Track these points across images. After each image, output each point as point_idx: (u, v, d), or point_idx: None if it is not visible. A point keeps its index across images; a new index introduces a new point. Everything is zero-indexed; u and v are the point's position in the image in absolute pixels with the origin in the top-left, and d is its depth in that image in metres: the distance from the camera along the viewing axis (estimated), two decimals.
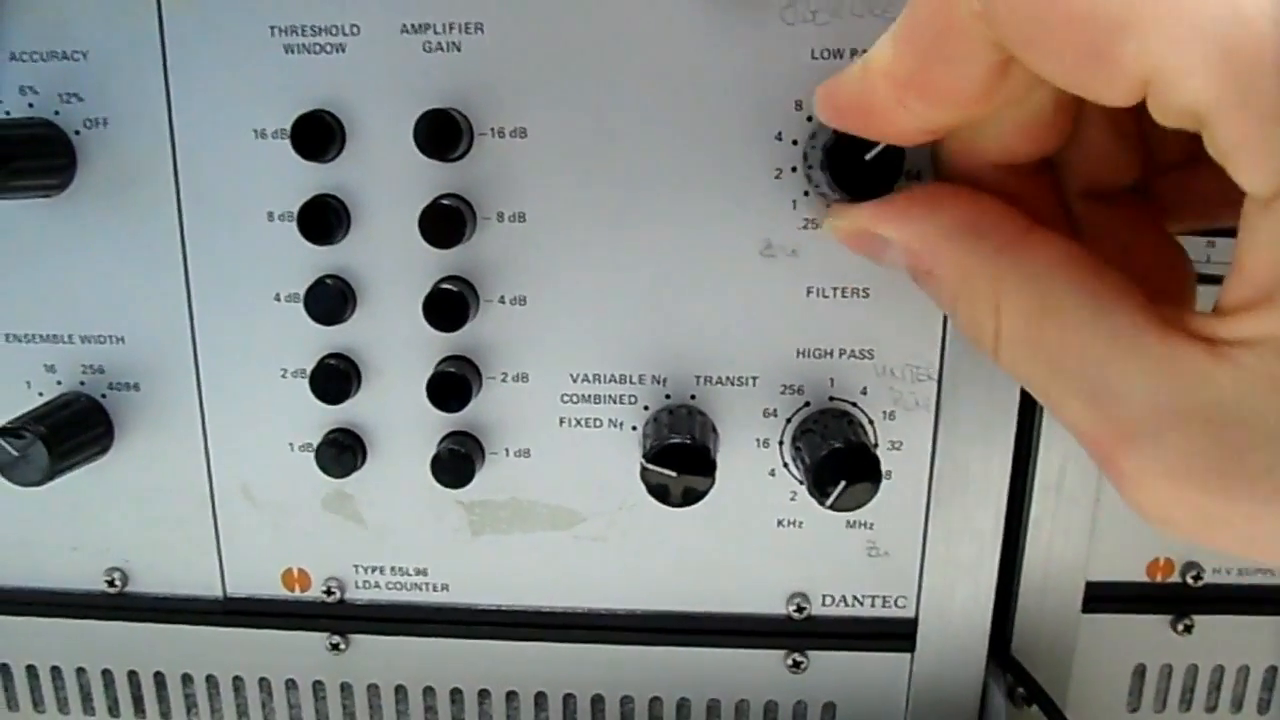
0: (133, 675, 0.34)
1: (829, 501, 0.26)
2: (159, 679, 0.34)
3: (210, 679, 0.34)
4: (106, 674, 0.34)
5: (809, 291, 0.28)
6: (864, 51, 0.26)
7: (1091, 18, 0.17)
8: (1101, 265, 0.20)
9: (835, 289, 0.28)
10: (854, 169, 0.24)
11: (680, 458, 0.27)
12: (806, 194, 0.27)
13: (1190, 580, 0.33)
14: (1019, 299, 0.21)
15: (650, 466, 0.27)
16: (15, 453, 0.29)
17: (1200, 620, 0.33)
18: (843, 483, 0.26)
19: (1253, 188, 0.16)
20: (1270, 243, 0.17)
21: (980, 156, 0.23)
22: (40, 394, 0.31)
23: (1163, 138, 0.22)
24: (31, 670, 0.35)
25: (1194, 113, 0.16)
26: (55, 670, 0.35)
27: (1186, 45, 0.16)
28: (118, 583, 0.33)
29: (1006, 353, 0.21)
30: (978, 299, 0.21)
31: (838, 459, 0.26)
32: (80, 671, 0.35)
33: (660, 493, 0.27)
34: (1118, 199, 0.23)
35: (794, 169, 0.27)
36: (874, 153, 0.24)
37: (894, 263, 0.24)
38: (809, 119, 0.27)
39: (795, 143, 0.27)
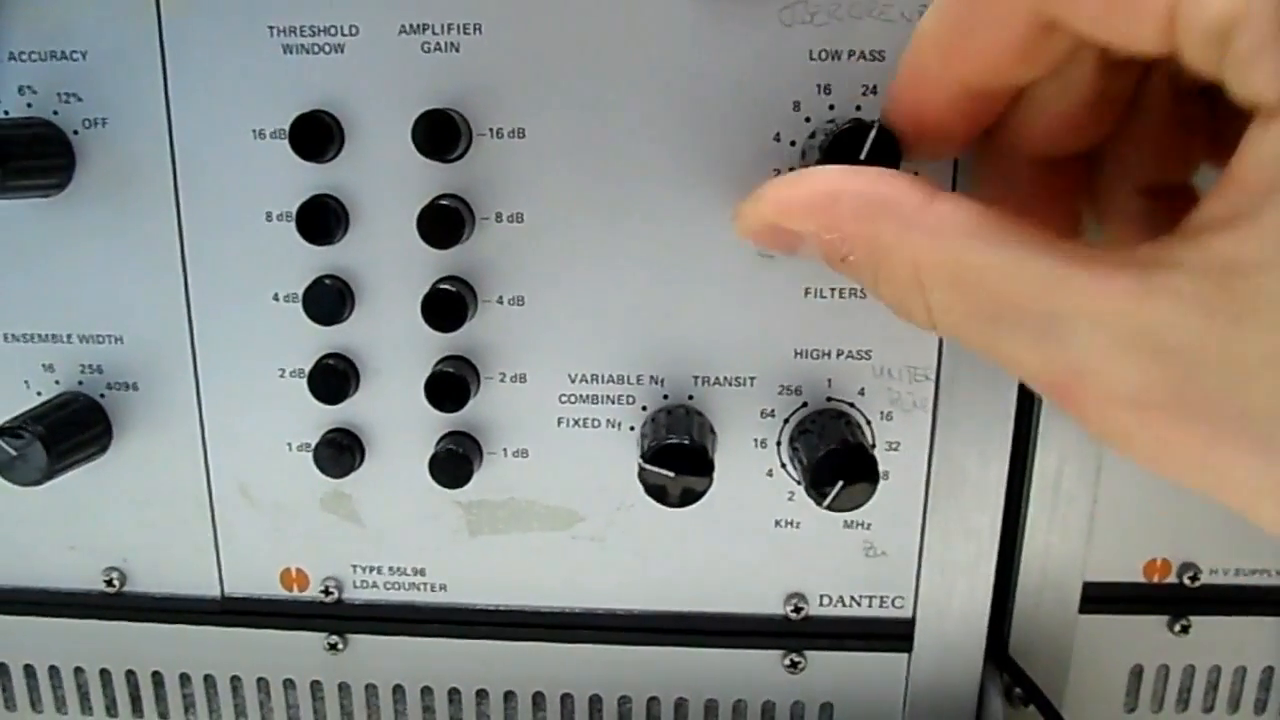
0: (130, 675, 0.34)
1: (826, 502, 0.26)
2: (157, 679, 0.34)
3: (208, 678, 0.34)
4: (104, 673, 0.35)
5: (806, 292, 0.28)
6: (862, 53, 0.27)
7: None
8: (1015, 218, 0.20)
9: (833, 289, 0.28)
10: None
11: (678, 458, 0.27)
12: None
13: (1187, 581, 0.33)
14: (939, 268, 0.21)
15: (648, 467, 0.27)
16: (14, 452, 0.29)
17: (1197, 621, 0.33)
18: (840, 483, 0.26)
19: (1265, 98, 0.16)
20: (1273, 156, 0.17)
21: (1023, 150, 0.23)
22: (39, 393, 0.31)
23: None
24: (29, 670, 0.35)
25: (1221, 27, 0.16)
26: (53, 670, 0.35)
27: None
28: (116, 582, 0.33)
29: (943, 321, 0.21)
30: (898, 276, 0.21)
31: (835, 459, 0.26)
32: (78, 671, 0.35)
33: (658, 493, 0.27)
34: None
35: (792, 169, 0.27)
36: (867, 149, 0.24)
37: (809, 255, 0.23)
38: (807, 120, 0.27)
39: (793, 144, 0.27)
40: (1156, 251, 0.18)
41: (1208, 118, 0.22)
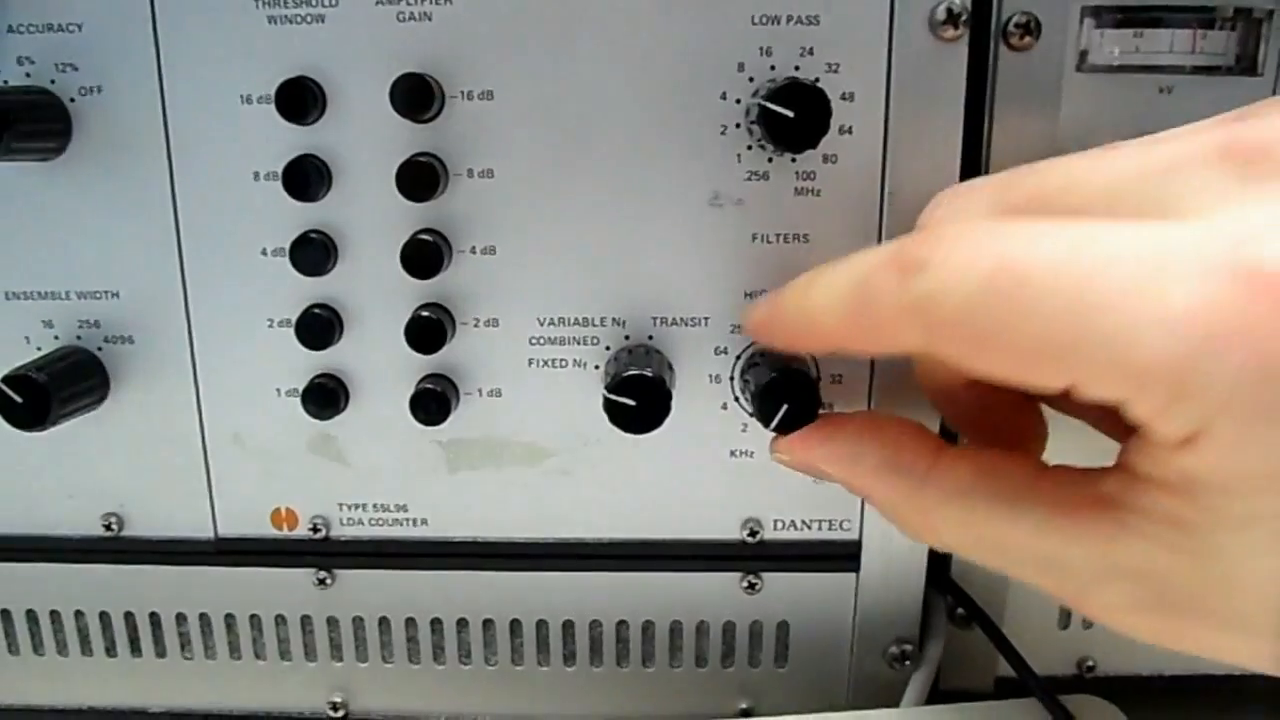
0: (129, 616, 0.36)
1: (773, 424, 0.29)
2: (154, 619, 0.36)
3: (203, 617, 0.36)
4: (104, 616, 0.36)
5: (754, 238, 0.31)
6: (799, 18, 0.29)
7: (1033, 357, 0.20)
8: (1009, 464, 0.24)
9: (778, 235, 0.31)
10: (785, 125, 0.27)
11: (638, 387, 0.29)
12: (750, 148, 0.30)
13: None
14: (948, 520, 0.25)
15: (611, 396, 0.29)
16: (18, 399, 0.31)
17: None
18: (784, 406, 0.29)
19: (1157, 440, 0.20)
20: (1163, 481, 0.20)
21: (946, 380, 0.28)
22: (38, 349, 0.33)
23: None
24: (31, 615, 0.37)
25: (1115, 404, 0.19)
26: (54, 614, 0.37)
27: (1112, 382, 0.19)
28: (114, 527, 0.35)
29: (954, 549, 0.25)
30: (912, 522, 0.26)
31: (778, 384, 0.29)
32: (78, 614, 0.37)
33: (621, 420, 0.29)
34: None
35: (738, 125, 0.30)
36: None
37: (836, 483, 0.28)
38: (750, 79, 0.30)
39: (738, 101, 0.30)
40: (1124, 489, 0.21)
41: None
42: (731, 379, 0.32)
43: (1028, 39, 0.30)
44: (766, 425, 0.29)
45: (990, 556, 0.24)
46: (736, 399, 0.32)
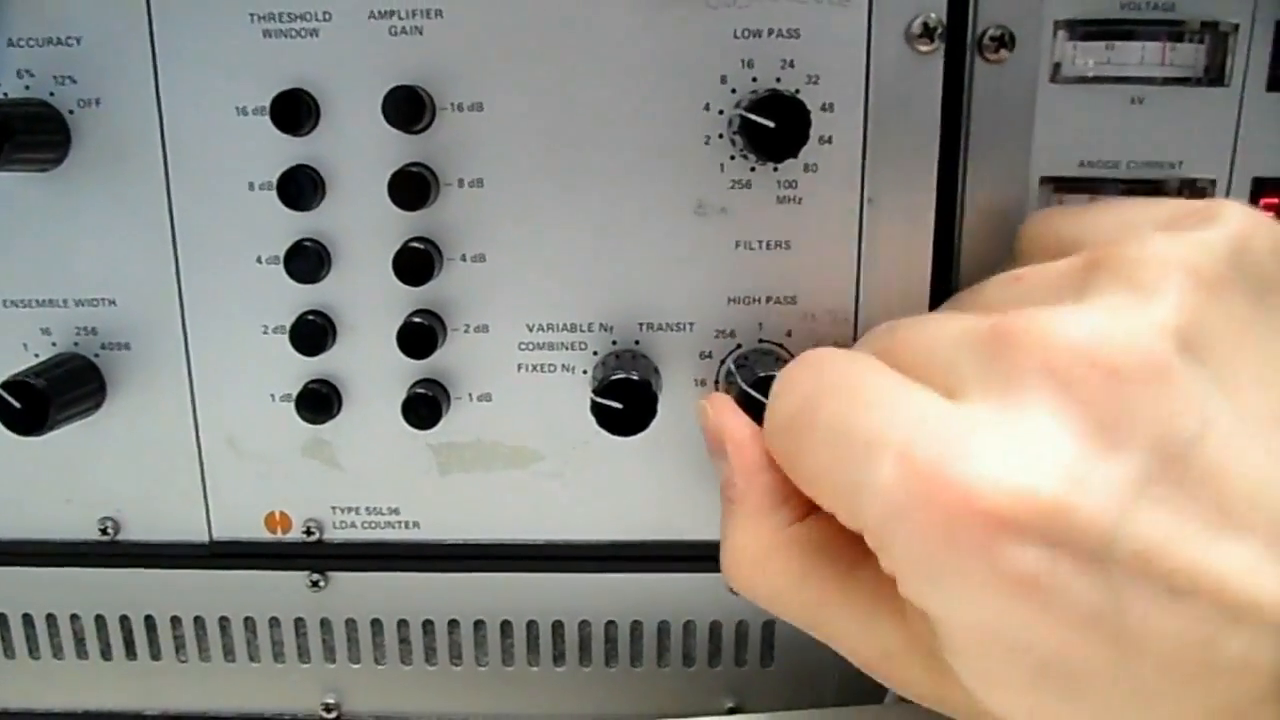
0: (124, 620, 0.37)
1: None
2: (149, 622, 0.37)
3: (197, 620, 0.37)
4: (99, 619, 0.37)
5: (738, 245, 0.32)
6: (780, 31, 0.30)
7: (807, 482, 0.26)
8: (855, 538, 0.25)
9: (761, 242, 0.32)
10: (767, 135, 0.28)
11: (625, 391, 0.30)
12: (733, 158, 0.31)
13: None
14: (786, 566, 0.27)
15: (599, 399, 0.30)
16: (17, 405, 0.31)
17: None
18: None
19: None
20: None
21: None
22: (36, 355, 0.34)
23: None
24: (27, 618, 0.37)
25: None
26: (50, 618, 0.37)
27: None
28: (110, 531, 0.35)
29: (767, 597, 0.28)
30: (751, 549, 0.28)
31: (763, 388, 0.30)
32: (74, 618, 0.37)
33: (609, 423, 0.30)
34: None
35: (721, 136, 0.31)
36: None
37: (716, 470, 0.30)
38: (733, 91, 0.30)
39: (721, 112, 0.31)
40: (907, 607, 0.24)
41: None
42: (716, 382, 0.33)
43: (1002, 51, 0.30)
44: None
45: (800, 613, 0.27)
46: None
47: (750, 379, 0.30)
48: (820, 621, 0.27)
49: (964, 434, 0.21)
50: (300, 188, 0.31)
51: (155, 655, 0.37)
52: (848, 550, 0.26)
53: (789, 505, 0.27)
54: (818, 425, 0.25)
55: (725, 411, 0.30)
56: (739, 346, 0.32)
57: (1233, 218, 0.23)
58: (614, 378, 0.30)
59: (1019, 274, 0.26)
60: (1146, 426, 0.20)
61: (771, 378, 0.29)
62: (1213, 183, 0.32)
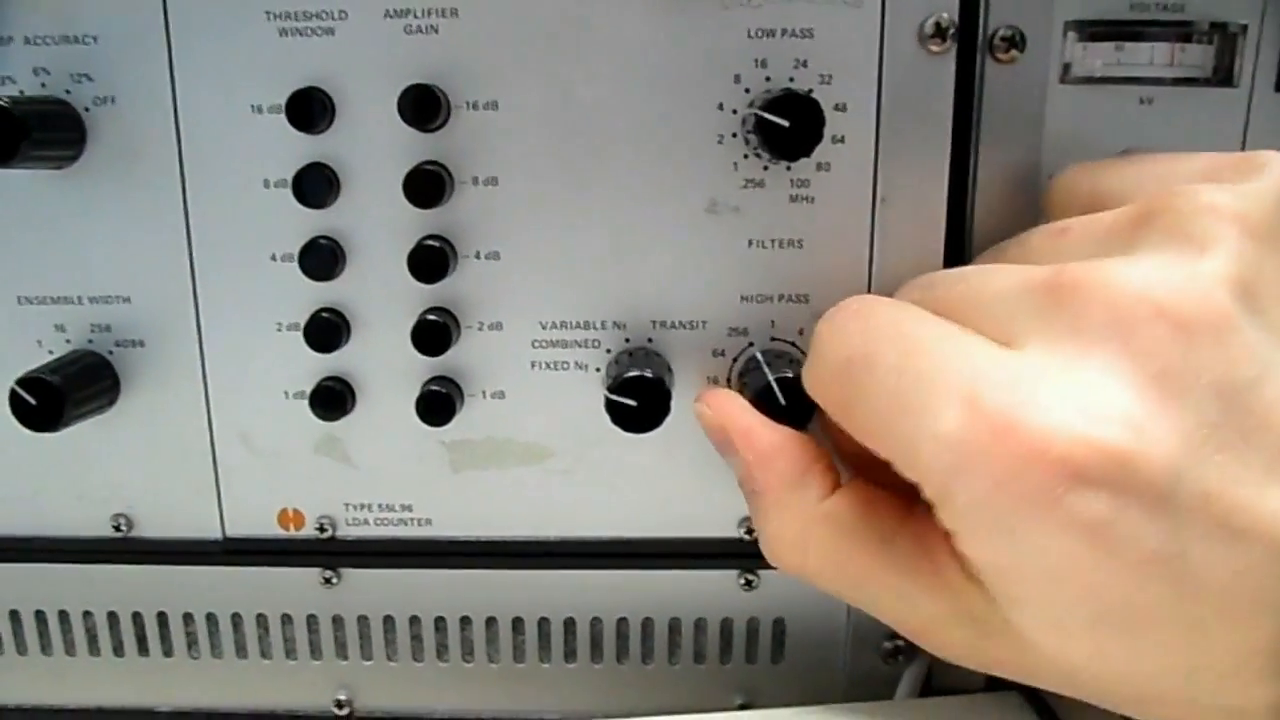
0: (137, 616, 0.37)
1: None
2: (161, 619, 0.37)
3: (210, 617, 0.37)
4: (112, 616, 0.37)
5: (750, 244, 0.32)
6: (793, 31, 0.30)
7: (864, 431, 0.25)
8: (884, 505, 0.26)
9: (773, 241, 0.32)
10: (780, 134, 0.29)
11: (639, 388, 0.30)
12: (746, 157, 0.31)
13: None
14: (822, 548, 0.27)
15: (613, 396, 0.30)
16: (33, 401, 0.31)
17: None
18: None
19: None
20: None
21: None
22: (50, 352, 0.34)
23: None
24: (40, 615, 0.37)
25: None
26: (62, 614, 0.37)
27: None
28: (123, 528, 0.35)
29: (812, 577, 0.28)
30: (787, 534, 0.28)
31: (778, 388, 0.30)
32: (87, 615, 0.37)
33: (622, 420, 0.30)
34: None
35: (734, 135, 0.31)
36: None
37: (732, 467, 0.30)
38: (746, 90, 0.31)
39: (734, 112, 0.31)
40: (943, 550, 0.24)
41: None
42: (729, 381, 0.33)
43: (1013, 52, 0.31)
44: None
45: (846, 587, 0.27)
46: None
47: (762, 382, 0.30)
48: (865, 596, 0.27)
49: (1031, 382, 0.21)
50: (315, 186, 0.31)
51: (168, 652, 0.37)
52: (881, 522, 0.26)
53: (812, 481, 0.27)
54: (874, 372, 0.25)
55: (724, 406, 0.30)
56: (751, 345, 0.33)
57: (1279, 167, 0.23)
58: (628, 375, 0.30)
59: (1065, 225, 0.26)
60: (1209, 375, 0.20)
61: (787, 379, 0.30)
62: None
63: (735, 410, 0.30)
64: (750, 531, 0.35)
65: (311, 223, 0.32)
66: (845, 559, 0.26)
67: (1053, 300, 0.22)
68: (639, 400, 0.30)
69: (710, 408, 0.30)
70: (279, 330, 0.33)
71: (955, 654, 0.26)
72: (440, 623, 0.37)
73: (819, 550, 0.27)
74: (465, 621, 0.37)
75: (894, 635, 0.36)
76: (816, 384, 0.27)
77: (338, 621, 0.37)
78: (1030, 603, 0.22)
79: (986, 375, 0.22)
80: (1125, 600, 0.21)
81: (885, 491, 0.27)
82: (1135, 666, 0.22)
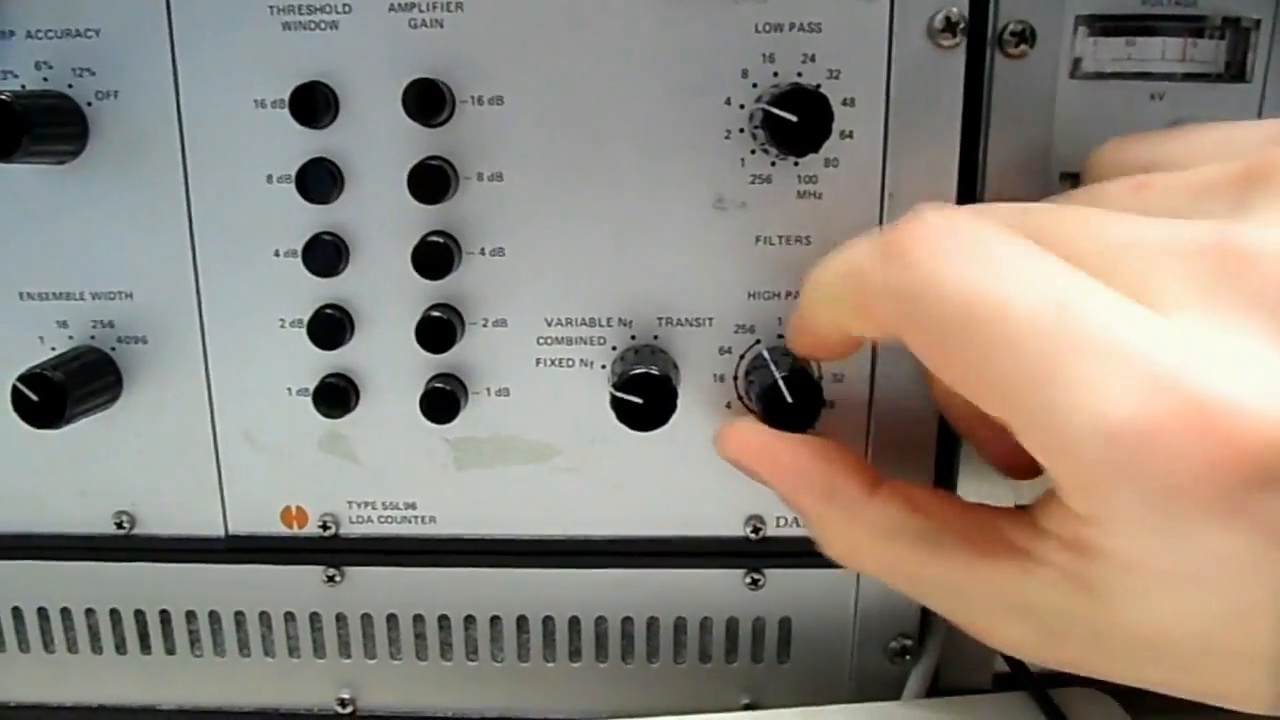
0: (139, 614, 0.37)
1: (778, 426, 0.30)
2: (164, 617, 0.37)
3: (213, 615, 0.37)
4: (114, 613, 0.37)
5: (757, 240, 0.32)
6: (802, 25, 0.30)
7: (987, 387, 0.22)
8: (933, 503, 0.26)
9: (780, 237, 0.32)
10: (788, 130, 0.28)
11: (645, 385, 0.30)
12: (753, 152, 0.31)
13: None
14: (874, 551, 0.26)
15: (619, 394, 0.30)
16: (35, 398, 0.31)
17: None
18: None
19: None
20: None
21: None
22: (53, 348, 0.33)
23: None
24: (42, 612, 0.37)
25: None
26: (65, 611, 0.37)
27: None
28: (125, 525, 0.35)
29: (875, 576, 0.27)
30: (834, 547, 0.27)
31: (785, 386, 0.30)
32: (89, 612, 0.37)
33: (628, 417, 0.30)
34: None
35: (741, 130, 0.31)
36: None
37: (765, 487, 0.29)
38: (754, 85, 0.30)
39: (742, 107, 0.31)
40: (1030, 539, 0.23)
41: None
42: (735, 378, 0.33)
43: (1023, 47, 0.30)
44: (772, 425, 0.30)
45: (906, 586, 0.26)
46: (740, 398, 0.33)
47: (769, 380, 0.30)
48: (921, 595, 0.26)
49: (1216, 359, 0.19)
50: (319, 181, 0.31)
51: (170, 650, 0.37)
52: (928, 522, 0.25)
53: (841, 490, 0.27)
54: (1005, 324, 0.20)
55: (738, 437, 0.30)
56: (758, 342, 0.32)
57: None
58: (634, 372, 0.30)
59: (1144, 180, 0.24)
60: None
61: (795, 376, 0.29)
62: None
63: (749, 437, 0.29)
64: (756, 531, 0.34)
65: (315, 218, 0.32)
66: (895, 561, 0.26)
67: (1220, 267, 0.20)
68: (645, 398, 0.30)
69: (728, 446, 0.30)
70: (282, 327, 0.33)
71: (1014, 647, 0.24)
72: (444, 621, 0.36)
73: (870, 557, 0.27)
74: (469, 620, 0.36)
75: (901, 635, 0.36)
76: (909, 323, 0.23)
77: (341, 620, 0.37)
78: (1169, 604, 0.20)
79: (1157, 343, 0.19)
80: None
81: (927, 489, 0.26)
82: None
